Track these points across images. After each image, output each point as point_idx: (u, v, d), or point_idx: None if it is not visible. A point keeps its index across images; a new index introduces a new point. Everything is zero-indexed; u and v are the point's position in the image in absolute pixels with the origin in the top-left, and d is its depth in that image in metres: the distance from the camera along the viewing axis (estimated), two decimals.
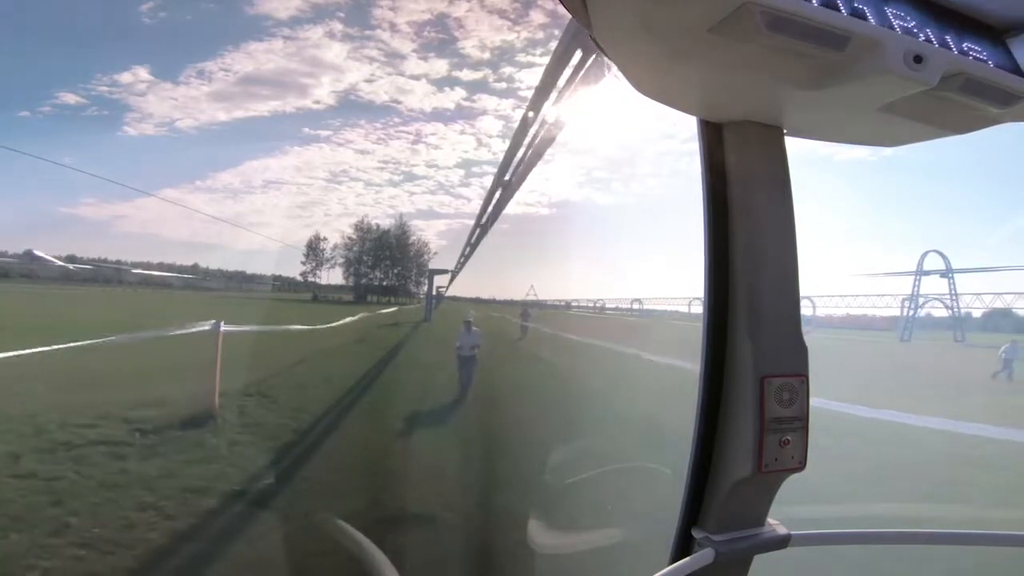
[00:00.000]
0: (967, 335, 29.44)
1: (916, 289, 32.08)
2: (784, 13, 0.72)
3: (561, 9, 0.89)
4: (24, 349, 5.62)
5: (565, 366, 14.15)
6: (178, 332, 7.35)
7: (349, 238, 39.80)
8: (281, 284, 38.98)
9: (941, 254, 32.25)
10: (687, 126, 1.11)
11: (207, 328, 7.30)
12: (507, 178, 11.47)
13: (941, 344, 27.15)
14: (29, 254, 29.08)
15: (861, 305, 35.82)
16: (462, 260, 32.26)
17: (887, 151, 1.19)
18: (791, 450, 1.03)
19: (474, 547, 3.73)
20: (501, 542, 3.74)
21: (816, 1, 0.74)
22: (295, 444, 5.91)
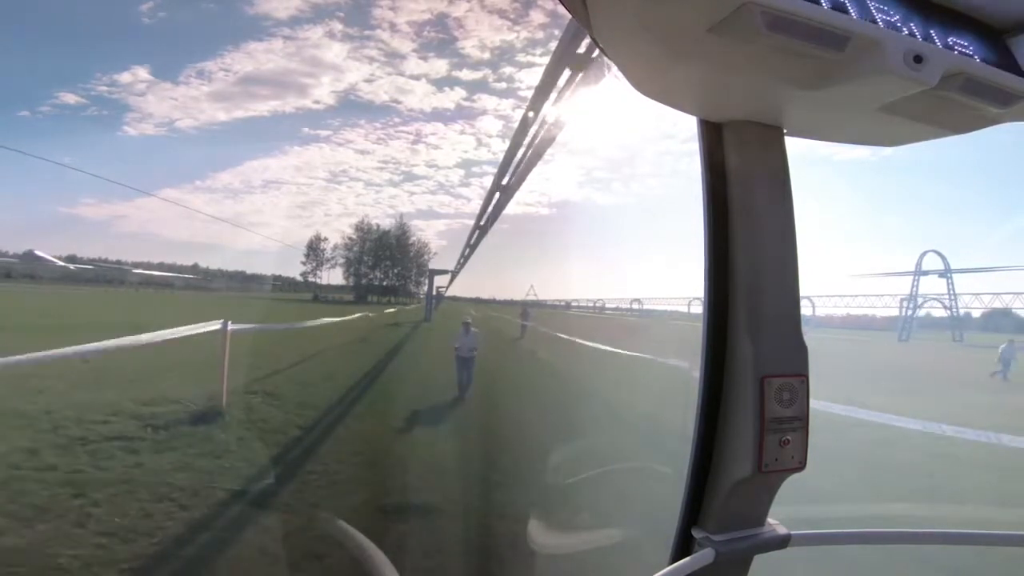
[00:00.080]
0: (966, 335, 29.47)
1: (915, 289, 32.15)
2: (784, 13, 0.72)
3: (561, 9, 0.89)
4: (36, 349, 5.73)
5: (564, 365, 14.17)
6: (188, 332, 7.49)
7: (349, 238, 39.90)
8: (281, 284, 39.00)
9: (940, 254, 32.32)
10: (687, 126, 1.11)
11: (215, 327, 7.48)
12: (507, 178, 11.48)
13: (939, 344, 27.17)
14: (30, 254, 29.11)
15: (860, 305, 35.89)
16: (462, 260, 32.30)
17: (887, 151, 1.20)
18: (791, 450, 1.03)
19: (474, 547, 3.73)
20: (501, 542, 3.74)
21: (816, 1, 0.74)
22: (295, 442, 5.98)
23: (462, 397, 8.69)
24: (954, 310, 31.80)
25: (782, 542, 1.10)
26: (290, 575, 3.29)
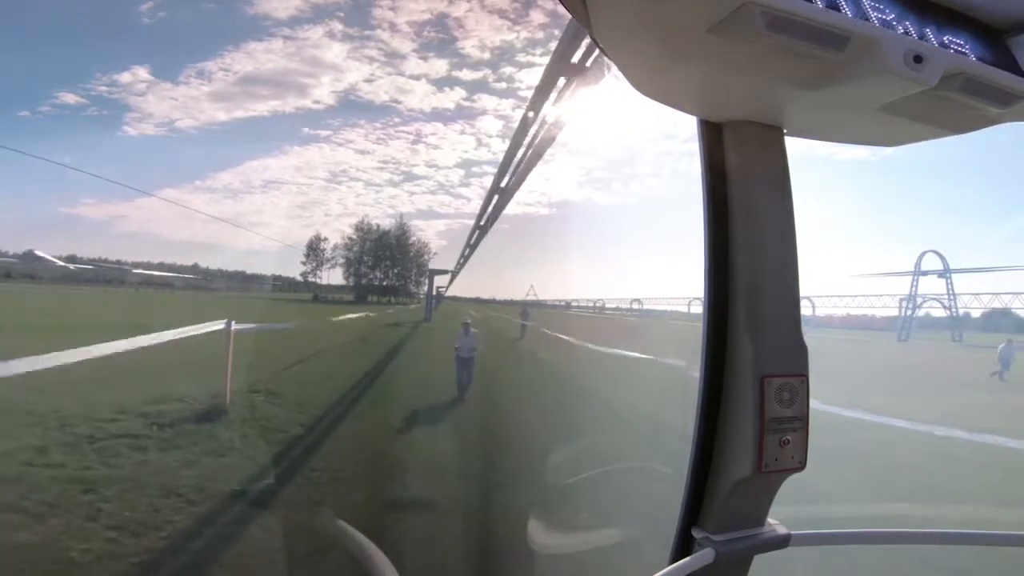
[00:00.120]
0: (965, 335, 29.48)
1: (914, 289, 32.17)
2: (784, 13, 0.72)
3: (561, 9, 0.89)
4: (39, 349, 5.98)
5: (564, 365, 14.17)
6: (194, 332, 7.69)
7: (349, 238, 39.84)
8: (281, 284, 39.00)
9: (939, 254, 32.34)
10: (687, 126, 1.11)
11: (219, 327, 7.62)
12: (507, 178, 11.49)
13: (938, 344, 27.17)
14: (30, 254, 29.11)
15: (860, 305, 35.91)
16: (462, 260, 32.32)
17: (887, 151, 1.20)
18: (791, 450, 1.03)
19: (474, 547, 3.73)
20: (501, 542, 3.74)
21: (816, 1, 0.74)
22: (297, 440, 6.07)
23: (462, 397, 8.70)
24: (953, 310, 31.85)
25: (782, 542, 1.10)
26: (291, 573, 3.29)
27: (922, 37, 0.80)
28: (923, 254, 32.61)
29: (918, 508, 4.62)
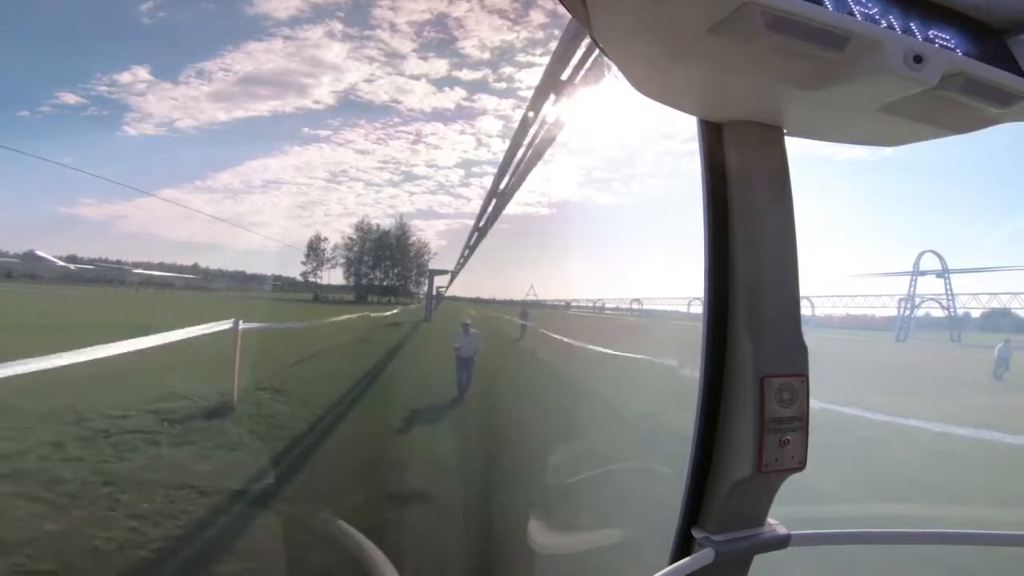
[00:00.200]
0: (964, 335, 29.48)
1: (912, 289, 32.18)
2: (784, 13, 0.72)
3: (561, 9, 0.89)
4: (44, 350, 6.03)
5: (564, 365, 14.18)
6: (201, 331, 7.81)
7: (349, 238, 39.86)
8: (281, 284, 38.99)
9: (937, 254, 32.34)
10: (687, 126, 1.11)
11: (227, 327, 7.80)
12: (507, 178, 11.48)
13: (937, 344, 27.17)
14: (31, 254, 29.11)
15: (859, 305, 35.91)
16: (462, 260, 32.32)
17: (887, 151, 1.20)
18: (791, 450, 1.03)
19: (475, 547, 3.73)
20: (501, 542, 3.74)
21: (816, 1, 0.74)
22: (301, 437, 6.18)
23: (462, 397, 8.71)
24: (952, 310, 31.85)
25: (782, 542, 1.10)
26: (291, 572, 3.30)
27: (922, 37, 0.80)
28: (921, 254, 32.66)
29: (918, 508, 4.62)
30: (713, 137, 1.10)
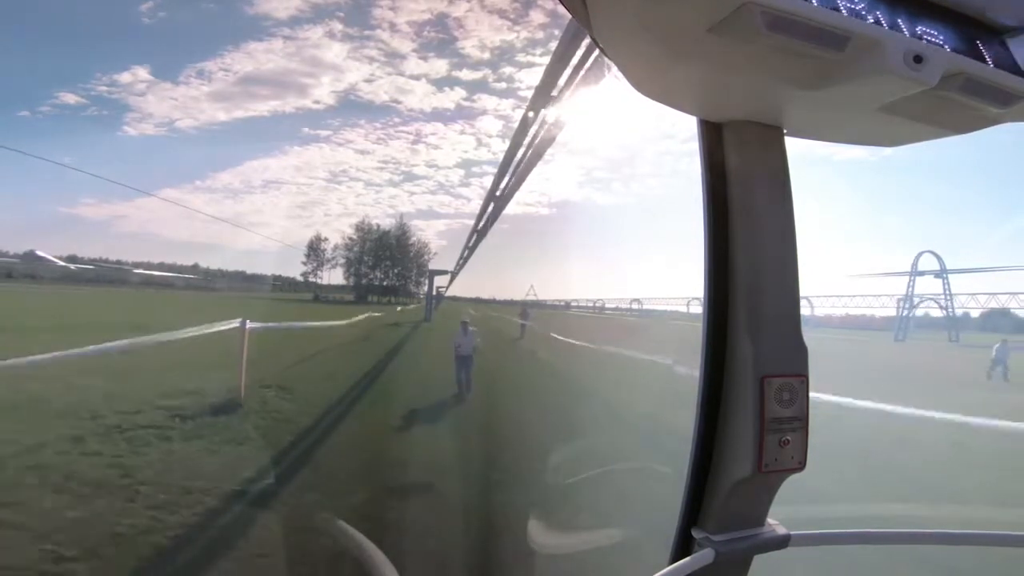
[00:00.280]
0: (963, 335, 29.48)
1: (911, 289, 32.18)
2: (784, 13, 0.72)
3: (561, 9, 0.89)
4: (67, 348, 6.58)
5: (563, 365, 14.18)
6: (210, 330, 8.27)
7: (350, 238, 39.79)
8: (281, 284, 38.97)
9: (935, 254, 32.33)
10: (687, 126, 1.11)
11: (234, 326, 8.20)
12: (507, 178, 11.49)
13: (935, 344, 27.18)
14: (31, 254, 29.10)
15: (858, 305, 35.90)
16: (462, 260, 32.33)
17: (887, 151, 1.20)
18: (791, 450, 1.03)
19: (474, 547, 3.73)
20: (501, 542, 3.74)
21: (816, 1, 0.74)
22: (306, 433, 6.33)
23: (462, 396, 8.71)
24: (950, 310, 31.87)
25: (782, 542, 1.10)
26: (292, 570, 3.30)
27: (922, 37, 0.80)
28: (920, 254, 32.62)
29: (918, 508, 4.62)
30: (713, 137, 1.10)
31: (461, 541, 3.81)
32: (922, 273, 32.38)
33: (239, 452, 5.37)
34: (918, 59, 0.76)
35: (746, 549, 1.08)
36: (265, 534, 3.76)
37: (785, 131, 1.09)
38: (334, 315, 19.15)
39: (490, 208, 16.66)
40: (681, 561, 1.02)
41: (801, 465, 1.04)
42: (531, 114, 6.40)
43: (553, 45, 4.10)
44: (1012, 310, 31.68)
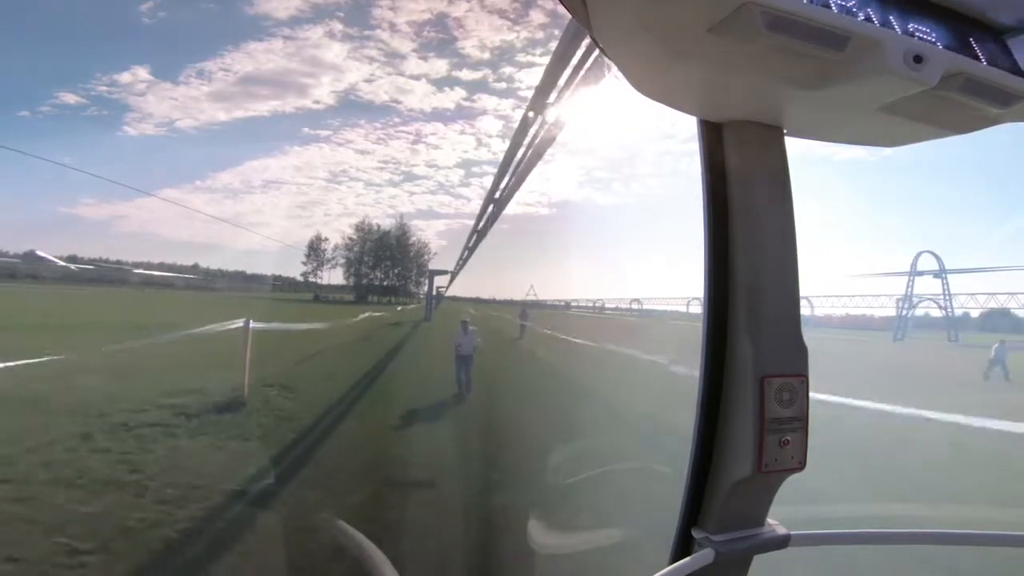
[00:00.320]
0: (962, 335, 29.50)
1: (910, 289, 32.19)
2: (784, 13, 0.72)
3: (561, 9, 0.89)
4: (71, 348, 6.98)
5: (563, 365, 14.20)
6: (217, 329, 8.57)
7: (350, 238, 39.80)
8: (281, 284, 38.97)
9: (934, 254, 32.33)
10: (687, 126, 1.11)
11: (238, 326, 8.47)
12: (507, 178, 11.49)
13: (933, 344, 27.20)
14: (31, 254, 29.11)
15: (857, 305, 35.91)
16: (462, 261, 32.34)
17: (887, 151, 1.19)
18: (791, 450, 1.02)
19: (474, 547, 3.73)
20: (501, 542, 3.74)
21: (816, 1, 0.74)
22: (307, 431, 6.46)
23: (462, 396, 8.71)
24: (949, 310, 31.88)
25: (782, 542, 1.10)
26: (291, 571, 3.30)
27: (922, 37, 0.80)
28: (919, 254, 32.63)
29: (918, 508, 4.62)
30: (713, 137, 1.10)
31: (461, 541, 3.81)
32: (921, 273, 32.41)
33: (244, 448, 5.54)
34: (918, 59, 0.76)
35: (746, 549, 1.08)
36: (267, 531, 3.83)
37: (785, 131, 1.09)
38: (335, 315, 19.17)
39: (490, 208, 16.67)
40: (681, 561, 1.02)
41: (801, 465, 1.04)
42: (531, 114, 6.41)
43: (553, 45, 4.10)
44: (1011, 310, 31.71)
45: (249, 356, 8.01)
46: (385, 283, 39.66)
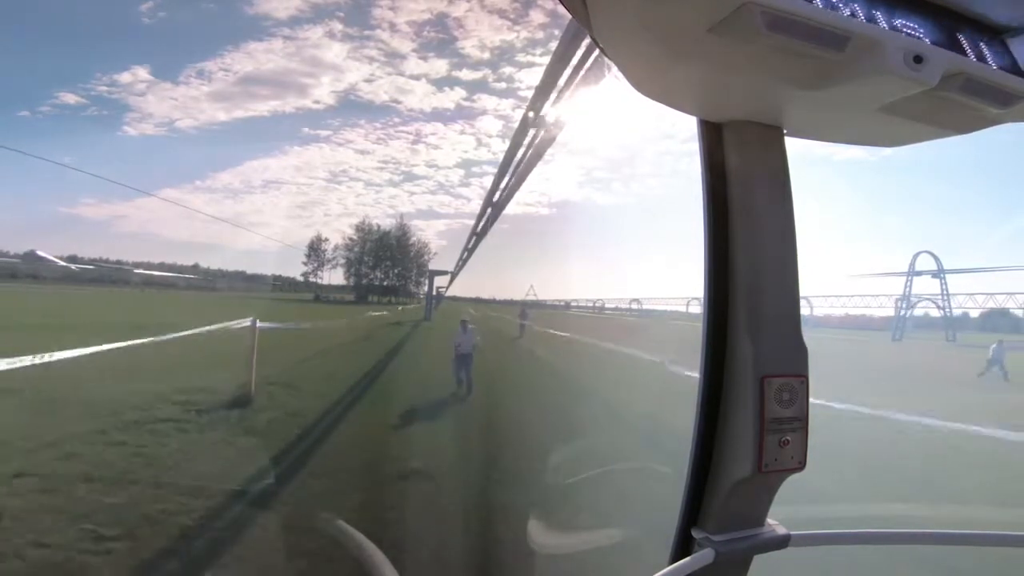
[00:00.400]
0: (960, 335, 29.54)
1: (908, 289, 32.23)
2: (784, 13, 0.72)
3: (561, 9, 0.89)
4: (84, 347, 6.88)
5: (562, 364, 14.22)
6: (223, 328, 8.72)
7: (350, 239, 39.83)
8: (281, 284, 38.98)
9: (933, 255, 32.37)
10: (687, 126, 1.11)
11: (246, 325, 8.66)
12: (507, 178, 11.49)
13: (931, 344, 27.23)
14: (32, 254, 29.12)
15: (856, 305, 35.95)
16: (462, 261, 32.34)
17: (887, 151, 1.20)
18: (791, 450, 1.02)
19: (474, 547, 3.73)
20: (501, 542, 3.74)
21: (816, 1, 0.74)
22: (310, 427, 6.60)
23: (461, 395, 8.73)
24: (947, 310, 31.91)
25: (782, 542, 1.10)
26: (291, 572, 3.30)
27: (922, 37, 0.80)
28: (917, 254, 32.68)
29: (918, 508, 4.62)
30: (713, 137, 1.10)
31: (461, 541, 3.81)
32: (919, 273, 32.48)
33: (250, 444, 5.75)
34: (918, 59, 0.76)
35: (746, 549, 1.08)
36: (269, 526, 3.93)
37: (785, 131, 1.09)
38: (335, 315, 19.20)
39: (490, 208, 16.66)
40: (681, 561, 1.02)
41: (801, 465, 1.04)
42: (531, 114, 6.39)
43: (553, 45, 4.10)
44: (1010, 310, 31.74)
45: (256, 355, 8.24)
46: (385, 283, 39.71)
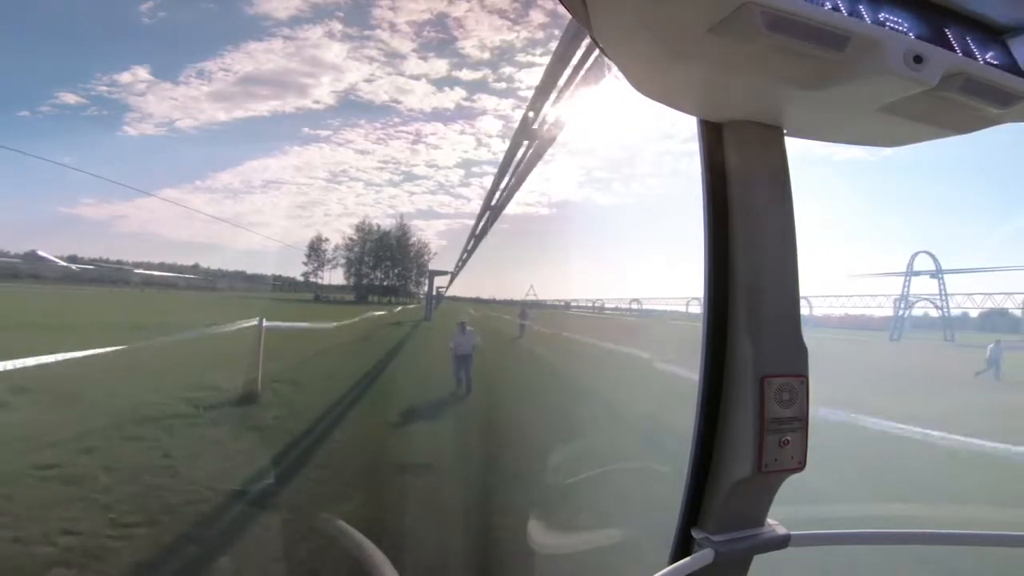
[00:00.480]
0: (959, 335, 29.55)
1: (906, 290, 32.25)
2: (784, 13, 0.72)
3: (561, 9, 0.89)
4: (92, 347, 7.19)
5: (561, 363, 14.23)
6: (230, 328, 9.15)
7: (350, 239, 39.82)
8: (281, 284, 38.98)
9: (931, 255, 32.37)
10: (687, 126, 1.11)
11: (252, 324, 8.99)
12: (507, 178, 11.49)
13: (930, 344, 27.23)
14: (32, 254, 29.12)
15: (856, 305, 35.97)
16: (462, 261, 32.35)
17: (887, 151, 1.20)
18: (791, 450, 1.02)
19: (474, 547, 3.73)
20: (501, 542, 3.74)
21: (816, 1, 0.74)
22: (312, 425, 6.71)
23: (461, 394, 8.73)
24: (945, 310, 31.93)
25: (782, 542, 1.10)
26: (290, 571, 3.30)
27: (922, 37, 0.80)
28: (915, 255, 32.69)
29: (918, 508, 4.61)
30: (713, 137, 1.10)
31: (461, 541, 3.81)
32: (918, 273, 32.49)
33: (258, 439, 6.00)
34: (918, 59, 0.76)
35: (746, 549, 1.08)
36: (270, 523, 3.95)
37: (785, 131, 1.09)
38: (336, 316, 19.22)
39: (490, 208, 16.66)
40: (681, 561, 1.02)
41: (801, 465, 1.04)
42: (531, 114, 6.40)
43: (553, 45, 4.10)
44: (1008, 310, 31.76)
45: (262, 353, 8.48)
46: (385, 283, 39.70)
